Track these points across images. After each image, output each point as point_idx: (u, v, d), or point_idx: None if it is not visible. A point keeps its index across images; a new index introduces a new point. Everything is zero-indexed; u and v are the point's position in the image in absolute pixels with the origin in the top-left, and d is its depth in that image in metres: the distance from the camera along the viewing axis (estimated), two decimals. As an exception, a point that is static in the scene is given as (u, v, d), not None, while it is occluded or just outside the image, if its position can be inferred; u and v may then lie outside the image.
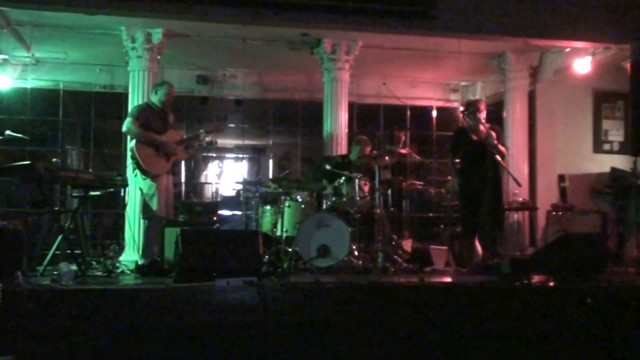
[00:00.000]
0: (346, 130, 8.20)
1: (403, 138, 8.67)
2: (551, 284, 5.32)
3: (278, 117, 10.04)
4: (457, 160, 6.69)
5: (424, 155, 9.29)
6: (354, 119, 9.08)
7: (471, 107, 6.51)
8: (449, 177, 8.51)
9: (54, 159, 6.51)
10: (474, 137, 6.34)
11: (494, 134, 6.31)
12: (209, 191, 11.31)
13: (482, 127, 6.36)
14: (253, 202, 7.20)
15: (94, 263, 6.38)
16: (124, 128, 5.95)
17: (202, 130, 6.37)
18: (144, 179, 5.96)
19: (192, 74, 9.47)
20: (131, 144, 5.97)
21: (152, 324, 4.30)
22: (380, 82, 9.46)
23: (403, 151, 8.49)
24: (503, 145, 6.45)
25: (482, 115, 6.41)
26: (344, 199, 6.46)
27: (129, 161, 6.15)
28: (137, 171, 5.98)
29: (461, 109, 9.03)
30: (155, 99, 6.21)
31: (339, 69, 8.16)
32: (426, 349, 4.52)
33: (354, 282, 5.24)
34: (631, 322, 4.79)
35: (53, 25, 7.43)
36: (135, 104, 7.33)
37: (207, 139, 6.43)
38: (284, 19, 7.05)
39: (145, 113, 6.07)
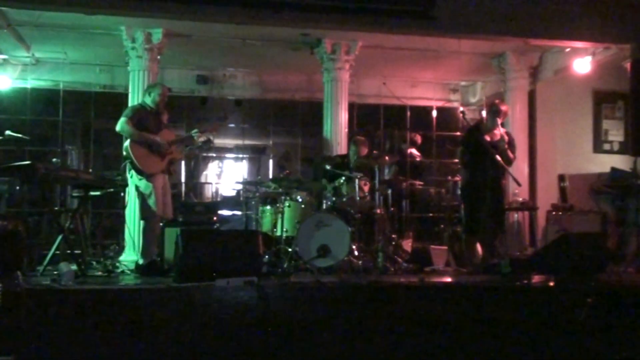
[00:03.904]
0: (346, 130, 8.19)
1: (419, 141, 8.65)
2: (551, 284, 5.32)
3: (278, 117, 10.03)
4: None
5: (424, 155, 9.28)
6: (354, 119, 9.07)
7: (493, 108, 6.56)
8: (449, 177, 8.53)
9: (54, 159, 6.52)
10: (487, 138, 6.34)
11: (506, 138, 6.38)
12: (209, 191, 11.30)
13: (496, 130, 6.41)
14: (253, 202, 7.20)
15: (94, 263, 6.38)
16: (118, 127, 5.96)
17: (195, 130, 6.38)
18: (140, 179, 5.97)
19: (192, 74, 9.47)
20: (125, 143, 5.97)
21: (152, 324, 4.31)
22: (380, 82, 9.45)
23: (414, 153, 8.50)
24: (513, 152, 6.49)
25: (501, 119, 6.47)
26: (344, 199, 6.46)
27: (125, 161, 6.14)
28: (133, 171, 5.99)
29: (461, 109, 9.07)
30: (148, 100, 6.21)
31: (339, 69, 8.15)
32: (426, 349, 4.52)
33: (354, 282, 5.25)
34: (631, 322, 4.79)
35: (53, 25, 7.42)
36: (135, 103, 7.33)
37: (202, 138, 6.43)
38: (284, 19, 7.05)
39: (139, 113, 6.09)
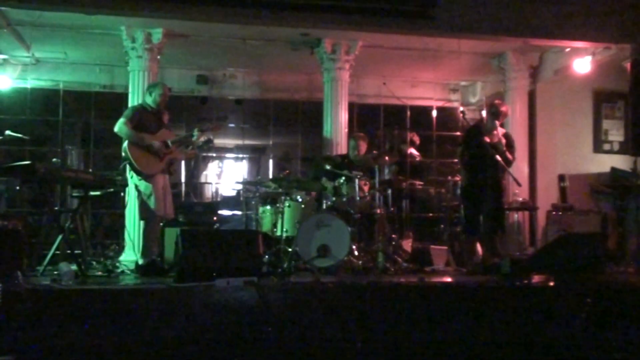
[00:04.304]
0: (346, 130, 8.19)
1: (418, 141, 8.65)
2: (551, 284, 5.32)
3: (278, 117, 10.03)
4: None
5: (424, 155, 9.28)
6: (354, 119, 9.07)
7: (492, 109, 6.56)
8: (449, 178, 8.53)
9: (54, 159, 6.51)
10: (487, 139, 6.33)
11: (503, 141, 6.37)
12: (209, 191, 11.32)
13: (495, 131, 6.40)
14: (253, 202, 7.20)
15: (94, 263, 6.38)
16: (116, 128, 5.94)
17: (196, 130, 6.36)
18: (140, 179, 5.94)
19: (192, 74, 9.47)
20: (124, 144, 5.94)
21: (152, 324, 4.31)
22: (380, 82, 9.46)
23: (414, 153, 8.51)
24: (512, 154, 6.48)
25: (500, 120, 6.48)
26: (344, 199, 6.46)
27: (124, 161, 6.11)
28: (132, 172, 5.96)
29: (461, 109, 9.07)
30: (149, 100, 6.18)
31: (339, 69, 8.15)
32: (426, 349, 4.52)
33: (354, 282, 5.25)
34: (631, 323, 4.79)
35: (53, 25, 7.42)
36: (135, 104, 7.32)
37: (202, 138, 6.41)
38: (284, 19, 7.06)
39: (139, 114, 6.06)
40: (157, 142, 5.99)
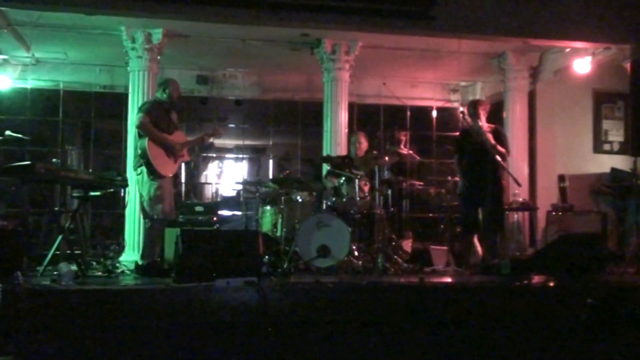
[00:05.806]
0: (346, 130, 8.18)
1: (404, 139, 8.67)
2: (551, 284, 5.33)
3: (278, 117, 10.04)
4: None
5: (424, 156, 9.28)
6: (354, 119, 9.06)
7: (470, 109, 6.54)
8: (449, 178, 8.53)
9: (54, 159, 6.51)
10: (477, 139, 6.33)
11: (490, 137, 6.34)
12: (209, 191, 11.31)
13: (483, 131, 6.39)
14: (253, 202, 7.20)
15: (94, 263, 6.38)
16: (137, 123, 5.82)
17: (204, 134, 6.41)
18: (151, 179, 5.83)
19: (192, 74, 9.46)
20: (142, 142, 5.81)
21: (152, 324, 4.31)
22: (380, 82, 9.45)
23: (405, 152, 8.52)
24: (504, 147, 6.46)
25: (483, 116, 6.45)
26: (344, 199, 6.46)
27: (135, 160, 6.00)
28: (144, 169, 5.84)
29: (461, 109, 9.07)
30: (164, 96, 6.09)
31: (339, 69, 8.15)
32: (426, 349, 4.52)
33: (354, 282, 5.25)
34: (631, 322, 4.79)
35: (53, 25, 7.42)
36: (136, 104, 7.32)
37: (209, 140, 6.45)
38: (284, 19, 7.06)
39: (155, 109, 5.97)
40: (178, 145, 5.97)
